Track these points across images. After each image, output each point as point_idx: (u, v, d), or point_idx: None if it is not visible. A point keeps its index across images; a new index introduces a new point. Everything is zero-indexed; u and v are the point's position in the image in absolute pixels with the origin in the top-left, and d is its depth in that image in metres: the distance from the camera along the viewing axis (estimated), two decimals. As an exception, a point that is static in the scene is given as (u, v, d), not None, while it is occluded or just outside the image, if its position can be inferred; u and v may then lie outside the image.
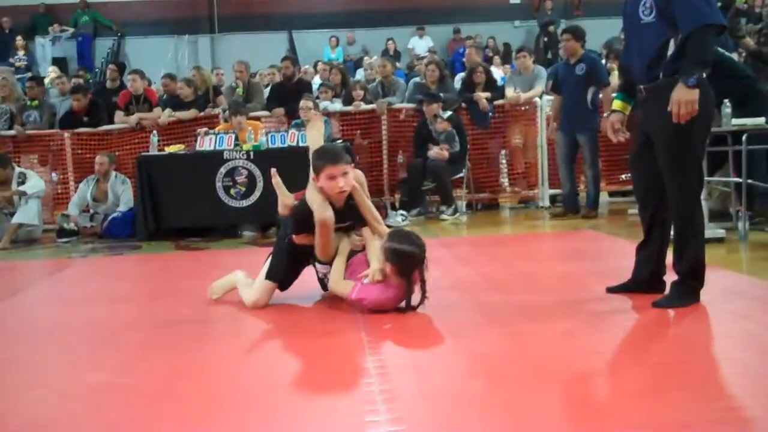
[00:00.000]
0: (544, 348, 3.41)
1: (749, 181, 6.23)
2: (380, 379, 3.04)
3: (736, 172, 6.50)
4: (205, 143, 8.00)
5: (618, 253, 5.78)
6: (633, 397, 2.73)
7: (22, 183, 8.27)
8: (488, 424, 2.55)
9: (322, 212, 4.12)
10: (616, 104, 4.34)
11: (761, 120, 6.18)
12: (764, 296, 4.32)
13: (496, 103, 9.26)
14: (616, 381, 3.03)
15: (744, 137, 6.12)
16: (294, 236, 4.31)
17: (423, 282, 4.02)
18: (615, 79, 8.99)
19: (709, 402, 2.65)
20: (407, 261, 3.94)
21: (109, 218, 8.33)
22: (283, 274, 4.43)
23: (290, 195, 4.51)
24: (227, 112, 8.92)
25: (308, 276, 4.55)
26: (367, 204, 4.32)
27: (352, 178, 4.18)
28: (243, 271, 4.68)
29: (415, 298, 4.04)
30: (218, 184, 7.83)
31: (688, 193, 3.96)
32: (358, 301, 4.08)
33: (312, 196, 4.19)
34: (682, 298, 3.97)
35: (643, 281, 4.24)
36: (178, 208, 7.93)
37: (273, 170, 4.63)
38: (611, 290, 4.32)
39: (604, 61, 9.64)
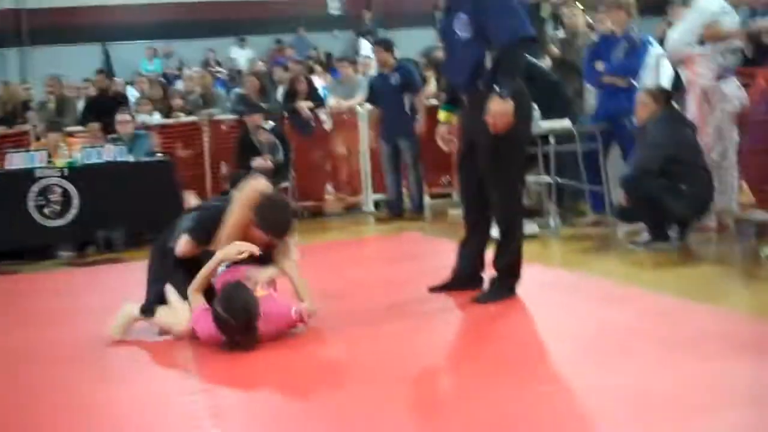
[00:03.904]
0: (375, 352, 3.48)
1: (558, 180, 6.59)
2: (205, 395, 3.01)
3: (545, 172, 6.84)
4: (15, 161, 7.57)
5: (442, 252, 5.94)
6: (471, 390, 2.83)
7: None
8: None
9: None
10: (442, 116, 4.48)
11: (568, 123, 6.54)
12: (575, 286, 4.57)
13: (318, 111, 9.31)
14: (453, 378, 3.17)
15: (552, 139, 6.47)
16: (179, 247, 3.88)
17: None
18: (432, 87, 9.29)
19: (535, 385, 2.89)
20: (226, 329, 3.50)
21: None
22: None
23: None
24: (38, 128, 8.49)
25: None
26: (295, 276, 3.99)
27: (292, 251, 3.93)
28: (130, 303, 4.05)
29: None
30: (30, 204, 7.40)
31: (511, 195, 4.15)
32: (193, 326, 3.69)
33: (230, 230, 3.80)
34: (501, 293, 4.16)
35: (463, 277, 4.39)
36: (-14, 230, 7.44)
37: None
38: (433, 290, 4.43)
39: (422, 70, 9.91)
